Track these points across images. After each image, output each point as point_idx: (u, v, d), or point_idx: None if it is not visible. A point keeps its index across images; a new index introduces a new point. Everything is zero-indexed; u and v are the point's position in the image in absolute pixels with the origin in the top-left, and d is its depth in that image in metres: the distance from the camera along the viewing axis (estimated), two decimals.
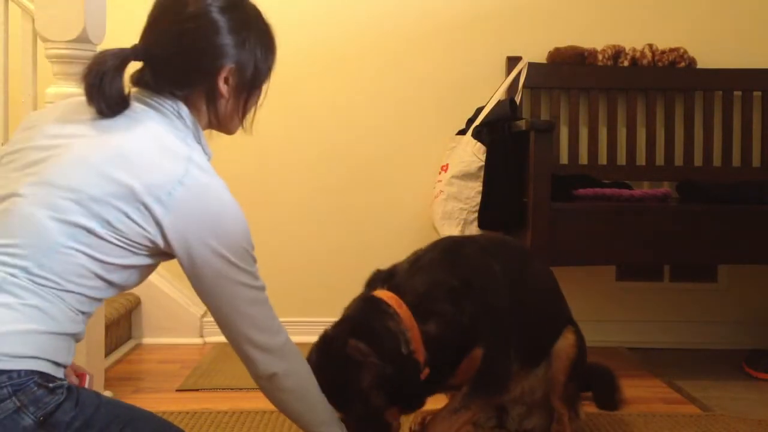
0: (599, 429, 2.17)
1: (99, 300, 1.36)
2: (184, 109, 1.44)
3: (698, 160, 3.13)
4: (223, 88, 1.46)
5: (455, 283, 1.77)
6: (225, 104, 1.48)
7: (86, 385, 1.46)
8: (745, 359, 2.82)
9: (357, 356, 1.62)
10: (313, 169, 3.19)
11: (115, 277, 1.34)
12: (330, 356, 1.65)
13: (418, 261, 1.83)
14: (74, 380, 1.45)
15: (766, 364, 2.74)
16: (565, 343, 1.97)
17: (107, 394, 2.37)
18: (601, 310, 3.19)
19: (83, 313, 1.34)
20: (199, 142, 1.48)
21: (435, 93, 3.19)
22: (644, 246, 2.63)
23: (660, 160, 3.12)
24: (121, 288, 1.39)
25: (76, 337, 1.34)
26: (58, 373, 1.29)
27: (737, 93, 3.15)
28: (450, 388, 1.86)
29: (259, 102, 1.55)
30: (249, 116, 1.55)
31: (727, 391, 2.56)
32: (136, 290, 3.14)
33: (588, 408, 2.32)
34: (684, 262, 3.06)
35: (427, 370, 1.70)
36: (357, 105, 3.19)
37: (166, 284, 3.18)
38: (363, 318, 1.70)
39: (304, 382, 1.54)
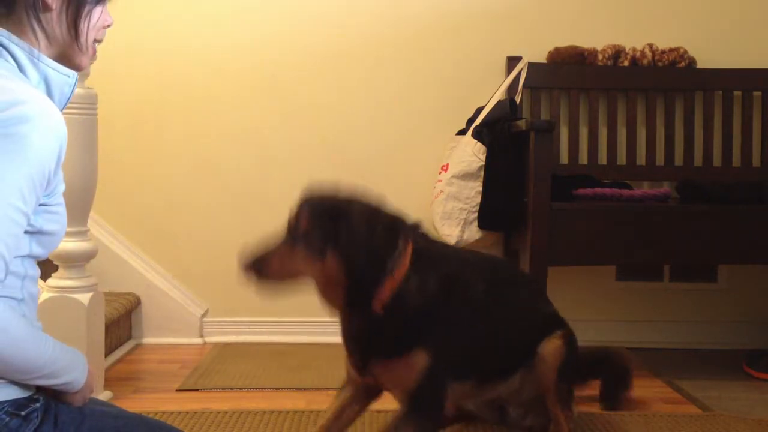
0: (599, 429, 2.17)
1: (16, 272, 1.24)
2: (5, 34, 1.25)
3: (698, 160, 3.13)
4: None
5: (455, 277, 1.75)
6: (54, 20, 1.29)
7: None
8: (745, 359, 2.82)
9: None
10: (312, 170, 3.19)
11: None
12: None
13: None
14: None
15: (766, 364, 2.74)
16: (551, 347, 1.93)
17: (107, 394, 2.37)
18: (601, 310, 3.19)
19: (15, 298, 1.24)
20: (47, 79, 1.29)
21: (435, 93, 3.19)
22: (644, 246, 2.63)
23: (660, 160, 3.12)
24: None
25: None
26: (29, 387, 1.23)
27: (737, 93, 3.15)
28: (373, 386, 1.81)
29: (97, 22, 1.35)
30: (87, 39, 1.34)
31: (727, 391, 2.55)
32: (136, 290, 3.14)
33: (588, 408, 2.32)
34: (684, 262, 3.06)
35: (381, 310, 1.64)
36: (357, 105, 3.19)
37: (166, 284, 3.18)
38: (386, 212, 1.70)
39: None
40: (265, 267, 1.60)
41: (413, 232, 1.74)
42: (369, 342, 1.71)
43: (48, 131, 1.18)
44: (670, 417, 2.28)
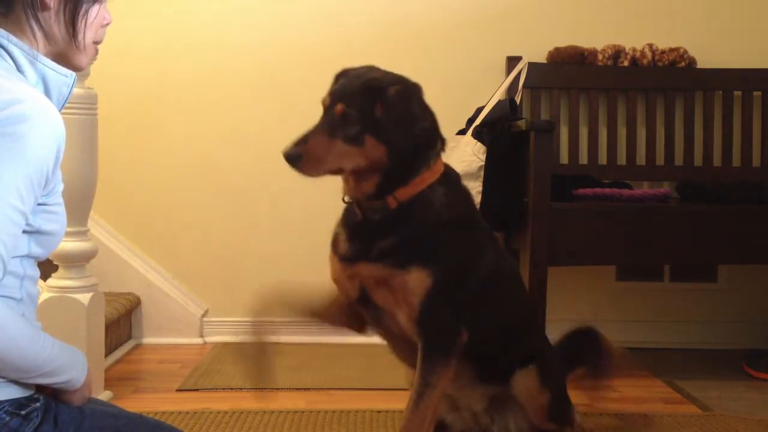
0: (599, 429, 2.17)
1: (18, 274, 1.24)
2: (4, 35, 1.25)
3: (698, 160, 3.13)
4: None
5: (470, 210, 1.75)
6: (52, 19, 1.29)
7: None
8: (745, 359, 2.82)
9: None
10: None
11: None
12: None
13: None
14: None
15: (766, 364, 2.74)
16: (528, 384, 1.81)
17: (107, 394, 2.37)
18: (601, 310, 3.19)
19: (13, 298, 1.24)
20: (45, 79, 1.29)
21: (435, 93, 3.16)
22: (644, 246, 2.63)
23: (660, 160, 3.12)
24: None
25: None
26: (29, 387, 1.23)
27: (737, 93, 3.14)
28: (383, 327, 1.75)
29: (94, 20, 1.34)
30: (84, 38, 1.33)
31: (727, 391, 2.55)
32: (136, 290, 3.14)
33: (588, 408, 2.32)
34: (684, 262, 3.06)
35: (395, 204, 1.63)
36: None
37: (166, 284, 3.18)
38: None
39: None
40: (305, 160, 1.57)
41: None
42: (374, 240, 1.64)
43: (46, 130, 1.18)
44: (670, 417, 2.28)
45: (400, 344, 1.78)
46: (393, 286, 1.63)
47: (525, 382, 1.83)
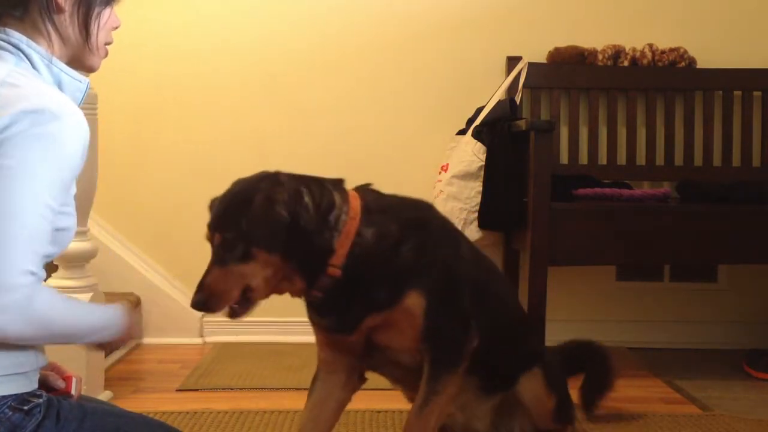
0: (599, 429, 2.17)
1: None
2: (23, 40, 1.28)
3: (698, 160, 3.13)
4: None
5: (418, 219, 1.65)
6: (67, 22, 1.32)
7: (73, 389, 1.39)
8: (745, 359, 2.82)
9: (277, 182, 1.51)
10: (312, 169, 3.17)
11: None
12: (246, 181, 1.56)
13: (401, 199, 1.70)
14: (60, 384, 1.38)
15: (766, 364, 2.74)
16: (535, 388, 1.80)
17: (107, 394, 2.37)
18: (601, 310, 3.19)
19: None
20: (60, 83, 1.32)
21: (435, 93, 3.19)
22: (644, 246, 2.63)
23: (660, 160, 3.12)
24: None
25: None
26: (32, 383, 1.25)
27: (737, 93, 3.14)
28: (390, 366, 1.69)
29: (106, 23, 1.37)
30: (97, 40, 1.36)
31: (727, 391, 2.55)
32: (136, 290, 3.14)
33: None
34: (684, 262, 3.06)
35: (338, 272, 1.53)
36: (356, 105, 3.19)
37: (166, 284, 3.18)
38: (307, 178, 1.58)
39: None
40: (211, 301, 1.48)
41: (361, 189, 1.65)
42: (352, 304, 1.58)
43: (76, 131, 1.23)
44: (670, 417, 2.28)
45: (409, 380, 1.72)
46: (392, 322, 1.59)
47: (531, 387, 1.81)
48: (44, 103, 1.19)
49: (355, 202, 1.58)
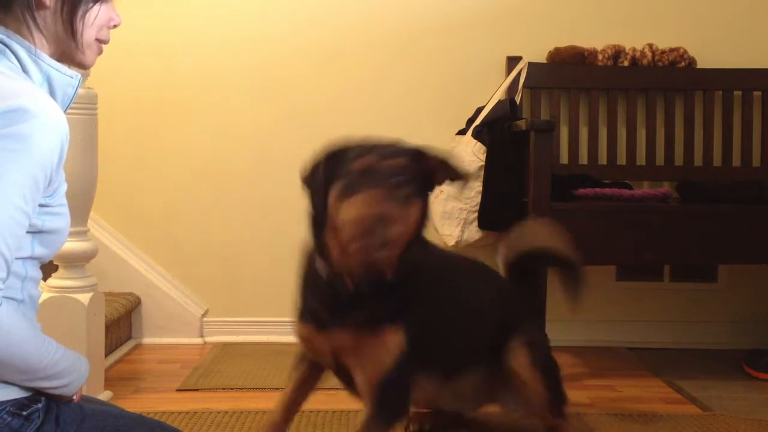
0: (599, 429, 2.17)
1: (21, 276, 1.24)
2: (7, 34, 1.26)
3: (698, 160, 3.13)
4: None
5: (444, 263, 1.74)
6: (50, 18, 1.29)
7: None
8: (745, 359, 2.82)
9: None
10: None
11: None
12: None
13: None
14: None
15: (766, 364, 2.74)
16: (519, 367, 1.84)
17: (107, 394, 2.37)
18: (601, 310, 3.19)
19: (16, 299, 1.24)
20: (49, 79, 1.29)
21: (435, 93, 3.19)
22: (644, 246, 2.63)
23: (660, 160, 3.12)
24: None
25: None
26: (31, 388, 1.23)
27: (737, 93, 3.14)
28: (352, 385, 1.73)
29: (95, 21, 1.34)
30: (84, 37, 1.33)
31: (727, 391, 2.55)
32: (136, 290, 3.14)
33: (588, 409, 2.32)
34: (684, 262, 3.06)
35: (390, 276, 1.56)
36: (356, 104, 3.19)
37: (166, 284, 3.18)
38: None
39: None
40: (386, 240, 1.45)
41: None
42: (347, 306, 1.60)
43: (50, 130, 1.18)
44: (670, 417, 2.28)
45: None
46: (369, 346, 1.61)
47: (516, 361, 1.85)
48: (20, 103, 1.16)
49: None
